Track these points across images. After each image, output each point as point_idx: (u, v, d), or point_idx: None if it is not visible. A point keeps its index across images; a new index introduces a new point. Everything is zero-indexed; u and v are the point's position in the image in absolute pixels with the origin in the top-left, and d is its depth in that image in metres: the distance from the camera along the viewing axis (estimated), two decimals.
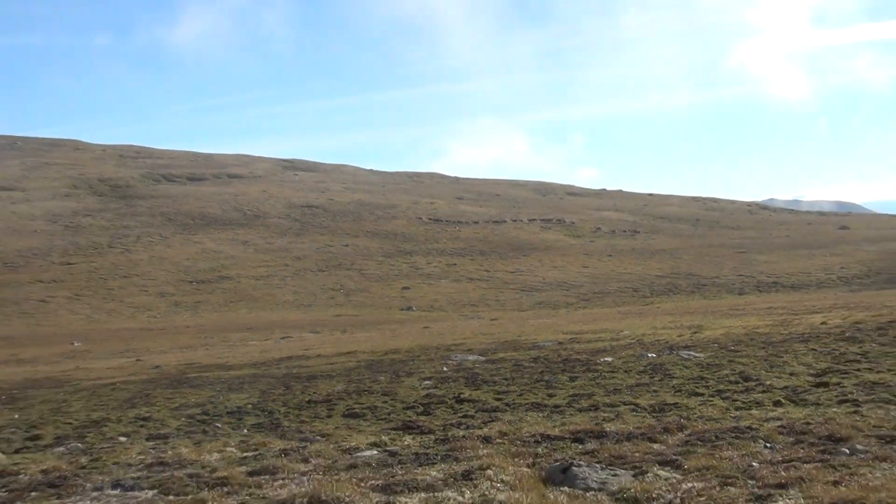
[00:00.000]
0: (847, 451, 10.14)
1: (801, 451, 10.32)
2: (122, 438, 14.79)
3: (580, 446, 11.36)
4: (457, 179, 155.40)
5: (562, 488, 9.12)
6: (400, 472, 10.24)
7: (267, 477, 10.52)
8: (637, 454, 10.53)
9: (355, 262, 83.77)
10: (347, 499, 9.03)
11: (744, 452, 10.35)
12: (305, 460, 11.47)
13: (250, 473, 10.75)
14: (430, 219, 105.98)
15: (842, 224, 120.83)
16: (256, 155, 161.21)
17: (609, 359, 21.53)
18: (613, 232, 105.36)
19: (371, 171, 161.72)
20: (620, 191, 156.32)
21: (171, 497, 9.87)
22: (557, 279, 75.18)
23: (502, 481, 9.50)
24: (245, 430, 15.06)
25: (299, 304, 67.48)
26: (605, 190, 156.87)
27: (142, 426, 16.19)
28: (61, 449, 14.07)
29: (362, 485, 9.63)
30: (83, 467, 11.90)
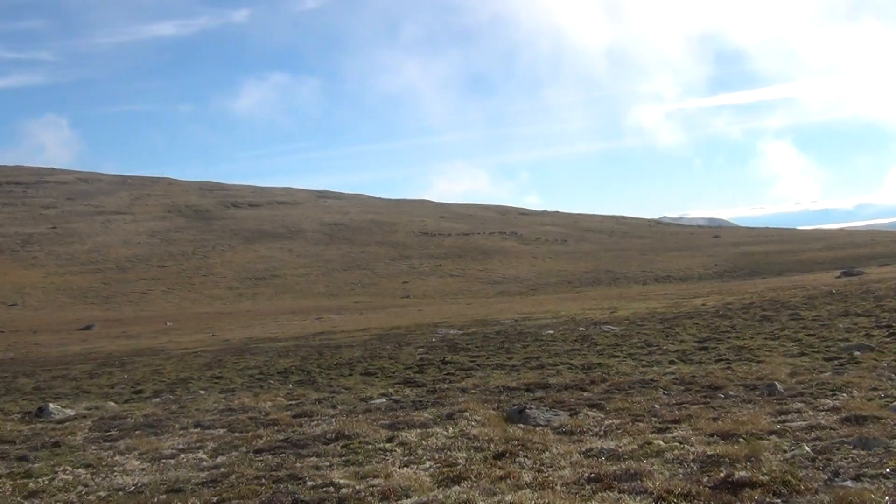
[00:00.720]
0: (722, 395, 10.11)
1: (690, 396, 10.29)
2: (202, 392, 14.66)
3: (531, 394, 11.30)
4: (440, 204, 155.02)
5: (518, 425, 9.05)
6: (402, 414, 10.15)
7: (306, 419, 10.42)
8: (572, 399, 10.48)
9: (369, 263, 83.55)
10: (364, 433, 8.93)
11: (648, 398, 10.31)
12: (333, 406, 11.37)
13: (294, 416, 10.64)
14: (421, 233, 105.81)
15: (715, 234, 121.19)
16: (297, 187, 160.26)
17: (551, 331, 21.49)
18: (552, 241, 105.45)
19: (379, 198, 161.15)
20: (557, 211, 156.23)
21: (236, 433, 9.76)
22: (513, 275, 75.13)
23: (475, 420, 9.42)
24: (290, 385, 14.95)
25: (329, 294, 67.23)
26: (546, 211, 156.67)
27: (216, 382, 16.06)
28: (157, 399, 13.92)
29: (374, 423, 9.55)
30: (173, 412, 11.76)
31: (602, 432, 8.41)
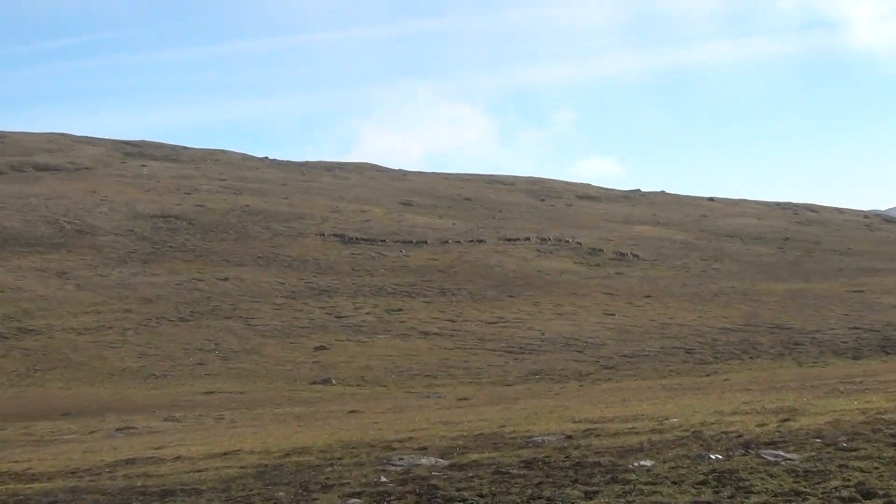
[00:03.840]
0: None
1: None
2: None
3: None
4: (402, 174, 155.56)
5: None
6: None
7: None
8: None
9: (239, 305, 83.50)
10: None
11: None
12: None
13: None
14: (356, 237, 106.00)
15: None
16: (81, 135, 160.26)
17: (648, 462, 21.44)
18: (651, 258, 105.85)
19: (267, 159, 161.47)
20: (663, 192, 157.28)
21: None
22: (564, 333, 75.29)
23: None
24: None
25: (148, 374, 67.08)
26: (638, 192, 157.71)
27: None
28: None
29: None
30: None
31: None
